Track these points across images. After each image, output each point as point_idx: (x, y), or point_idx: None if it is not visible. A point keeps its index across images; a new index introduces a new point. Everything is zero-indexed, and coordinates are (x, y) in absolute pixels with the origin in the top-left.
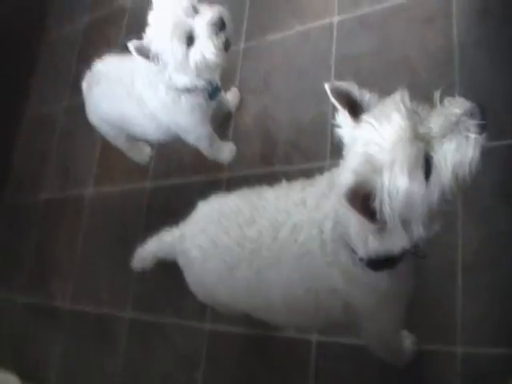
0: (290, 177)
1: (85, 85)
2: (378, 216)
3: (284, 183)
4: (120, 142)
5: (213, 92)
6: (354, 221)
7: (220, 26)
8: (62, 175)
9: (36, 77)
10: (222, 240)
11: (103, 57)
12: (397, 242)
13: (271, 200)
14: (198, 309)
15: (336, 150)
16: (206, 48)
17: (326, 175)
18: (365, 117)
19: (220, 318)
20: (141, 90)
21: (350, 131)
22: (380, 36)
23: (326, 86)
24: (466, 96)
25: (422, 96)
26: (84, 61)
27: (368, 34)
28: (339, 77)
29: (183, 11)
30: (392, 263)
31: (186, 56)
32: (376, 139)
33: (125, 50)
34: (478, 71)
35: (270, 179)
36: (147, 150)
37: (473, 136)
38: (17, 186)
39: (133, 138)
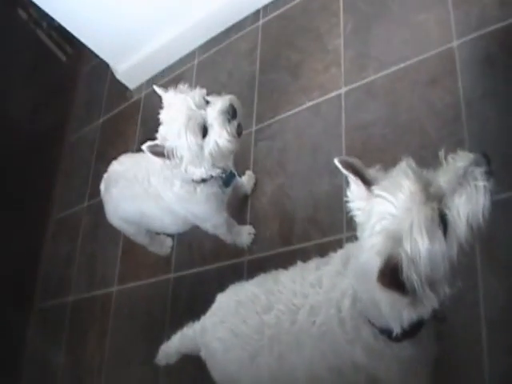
0: (309, 253)
1: (102, 187)
2: (407, 287)
3: (299, 264)
4: (140, 238)
5: (227, 179)
6: (386, 300)
7: (232, 113)
8: (87, 275)
9: (58, 180)
10: (240, 329)
11: (119, 157)
12: (428, 306)
13: (287, 283)
14: None
15: (352, 222)
16: (220, 136)
17: (340, 252)
18: (375, 190)
19: None
20: (157, 186)
21: (363, 204)
22: (387, 102)
23: (336, 160)
24: (475, 149)
25: (434, 155)
26: (102, 159)
27: (375, 100)
28: (351, 147)
29: (194, 104)
30: (413, 332)
31: (201, 147)
32: (390, 210)
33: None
34: (487, 123)
35: (290, 257)
36: (168, 242)
37: (481, 184)
38: (45, 290)
39: (152, 232)
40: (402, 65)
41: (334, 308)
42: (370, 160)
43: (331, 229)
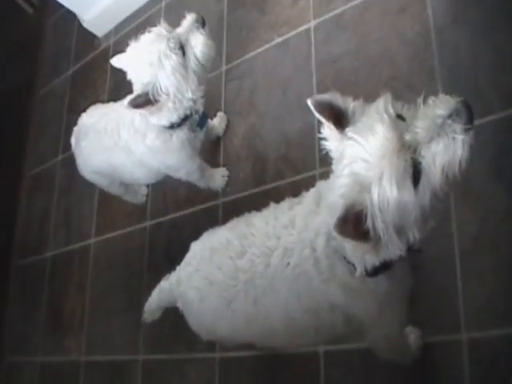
0: (283, 191)
1: (73, 140)
2: (371, 233)
3: (272, 205)
4: (114, 189)
5: (201, 120)
6: (347, 244)
7: (201, 21)
8: (65, 230)
9: (31, 135)
10: (215, 277)
11: (88, 109)
12: (394, 251)
13: (260, 226)
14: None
15: (325, 158)
16: (198, 43)
17: (312, 190)
18: (349, 132)
19: (229, 346)
20: (126, 138)
21: (336, 144)
22: (357, 33)
23: (309, 102)
24: (446, 78)
25: (405, 85)
26: (74, 111)
27: (345, 33)
28: (321, 82)
29: (164, 30)
30: (388, 266)
31: (185, 67)
32: (362, 155)
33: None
34: (459, 49)
35: (264, 197)
36: (143, 190)
37: (460, 137)
38: (23, 246)
39: (126, 183)
40: None
41: (308, 248)
42: (342, 93)
43: (304, 166)
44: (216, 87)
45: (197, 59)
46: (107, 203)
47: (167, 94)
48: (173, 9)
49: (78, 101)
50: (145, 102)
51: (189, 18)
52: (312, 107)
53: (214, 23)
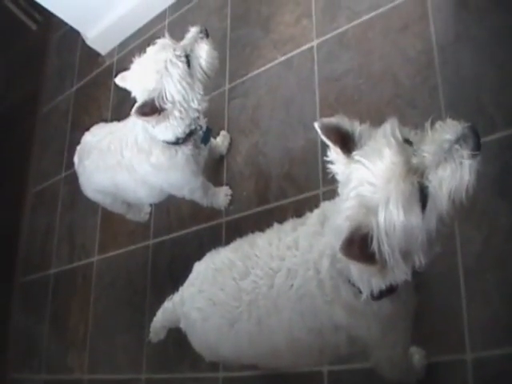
0: (286, 210)
1: (76, 159)
2: (377, 256)
3: (275, 225)
4: (117, 207)
5: (205, 135)
6: (353, 266)
7: (205, 32)
8: (68, 247)
9: (34, 152)
10: (218, 297)
11: (91, 128)
12: (399, 275)
13: (263, 246)
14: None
15: (328, 177)
16: (203, 53)
17: (316, 211)
18: (356, 155)
19: (233, 366)
20: (130, 157)
21: (342, 168)
22: (360, 52)
23: (316, 125)
24: (449, 96)
25: (408, 103)
26: (77, 128)
27: (348, 51)
28: (324, 100)
29: (170, 41)
30: (393, 289)
31: (191, 76)
32: (369, 178)
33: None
34: (462, 67)
35: (267, 216)
36: (146, 208)
37: (467, 162)
38: (27, 264)
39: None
40: (373, 13)
41: (311, 270)
42: (345, 112)
43: (307, 184)
44: (219, 105)
45: (201, 68)
46: (110, 221)
47: (173, 102)
48: (176, 26)
49: (82, 118)
50: (151, 110)
51: (192, 30)
52: (319, 130)
53: (218, 41)
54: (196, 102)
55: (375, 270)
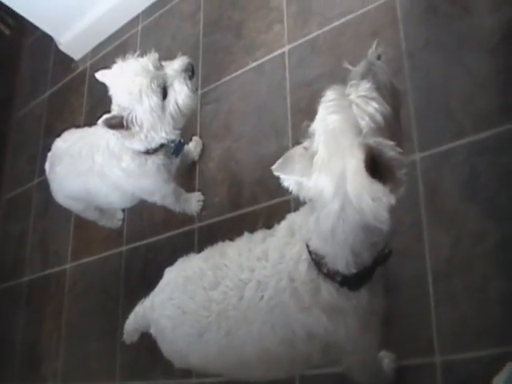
0: (258, 216)
1: (47, 166)
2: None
3: (246, 234)
4: (90, 214)
5: (177, 148)
6: (368, 196)
7: (192, 71)
8: (41, 254)
9: (7, 158)
10: (188, 306)
11: (62, 134)
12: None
13: (233, 257)
14: None
15: None
16: (181, 93)
17: (284, 223)
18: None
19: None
20: (101, 162)
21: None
22: (331, 57)
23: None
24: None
25: None
26: (51, 134)
27: (319, 57)
28: (296, 106)
29: (152, 65)
30: (370, 274)
31: (163, 109)
32: None
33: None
34: (431, 73)
35: (240, 222)
36: (118, 215)
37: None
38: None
39: (101, 208)
40: (343, 19)
41: (284, 280)
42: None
43: (279, 190)
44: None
45: (177, 105)
46: (83, 227)
47: (141, 127)
48: (149, 32)
49: (55, 123)
50: (118, 124)
51: (180, 63)
52: (280, 176)
53: (190, 46)
54: (164, 133)
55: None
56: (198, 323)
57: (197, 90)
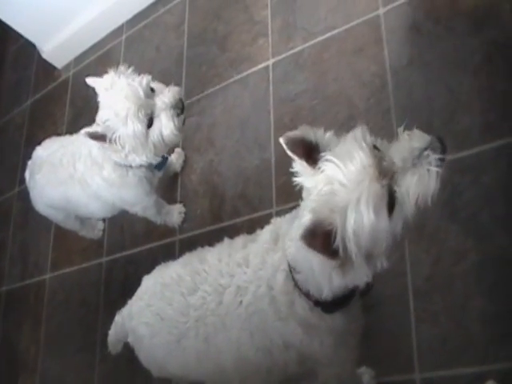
0: (239, 229)
1: (27, 174)
2: (340, 254)
3: (226, 240)
4: (70, 224)
5: (160, 163)
6: (315, 261)
7: (181, 108)
8: (20, 264)
9: None
10: (166, 312)
11: (43, 142)
12: (361, 276)
13: (213, 262)
14: (164, 379)
15: (282, 195)
16: (166, 128)
17: (268, 228)
18: (327, 156)
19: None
20: (83, 171)
21: (309, 178)
22: (315, 72)
23: (281, 140)
24: (402, 119)
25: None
26: (32, 143)
27: (303, 72)
28: (279, 120)
29: (143, 92)
30: (344, 302)
31: (146, 136)
32: (339, 177)
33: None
34: (414, 91)
35: (221, 234)
36: (99, 225)
37: (434, 169)
38: None
39: (82, 217)
40: (328, 34)
41: (263, 286)
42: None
43: (261, 204)
44: None
45: (161, 137)
46: (63, 238)
47: (122, 147)
48: (133, 43)
49: (37, 132)
50: (101, 138)
51: (171, 98)
52: (285, 146)
53: (174, 58)
54: (145, 158)
55: (336, 264)
56: (176, 329)
57: (184, 124)
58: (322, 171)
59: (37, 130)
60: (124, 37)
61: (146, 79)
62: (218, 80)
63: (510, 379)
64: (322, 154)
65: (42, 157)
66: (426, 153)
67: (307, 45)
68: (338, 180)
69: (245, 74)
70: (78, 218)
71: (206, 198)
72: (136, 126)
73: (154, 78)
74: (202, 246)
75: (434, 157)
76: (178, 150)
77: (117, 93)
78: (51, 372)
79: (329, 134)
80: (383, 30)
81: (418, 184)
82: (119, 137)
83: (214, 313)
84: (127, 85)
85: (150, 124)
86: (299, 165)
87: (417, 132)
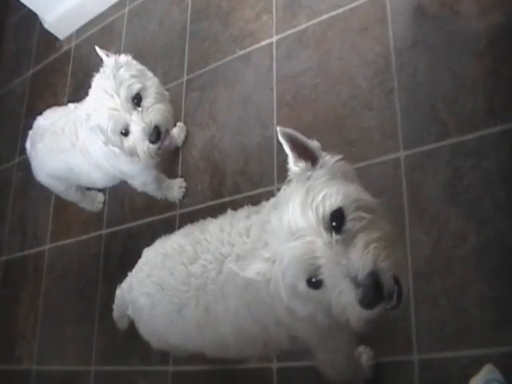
0: (240, 205)
1: (28, 144)
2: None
3: (229, 212)
4: (71, 195)
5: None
6: None
7: (154, 137)
8: (19, 234)
9: None
10: (167, 282)
11: (44, 112)
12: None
13: (215, 232)
14: (161, 353)
15: (283, 173)
16: (139, 150)
17: (272, 201)
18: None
19: (182, 360)
20: (84, 139)
21: (298, 170)
22: (318, 51)
23: (278, 130)
24: (404, 100)
25: (364, 105)
26: (32, 113)
27: (307, 50)
28: (282, 98)
29: (124, 102)
30: None
31: (122, 142)
32: (283, 225)
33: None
34: (418, 73)
35: (221, 210)
36: (99, 197)
37: (354, 303)
38: None
39: (83, 188)
40: (333, 13)
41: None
42: (301, 110)
43: (262, 180)
44: (176, 97)
45: (135, 149)
46: (63, 209)
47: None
48: (136, 16)
49: (37, 103)
50: None
51: (149, 121)
52: (280, 136)
53: (177, 33)
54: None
55: None
56: (177, 299)
57: (159, 150)
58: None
59: (37, 100)
60: (127, 9)
61: (136, 87)
62: (220, 55)
63: (508, 363)
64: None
65: (43, 126)
66: (355, 285)
67: (311, 23)
68: (281, 226)
69: (248, 50)
70: (78, 189)
71: (207, 174)
72: (109, 133)
73: (156, 54)
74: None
75: (357, 295)
76: (179, 124)
77: (101, 96)
78: (49, 341)
79: (331, 158)
80: (388, 11)
81: (340, 296)
82: (99, 127)
83: (214, 281)
84: (110, 96)
85: (126, 133)
86: (291, 157)
87: (366, 254)
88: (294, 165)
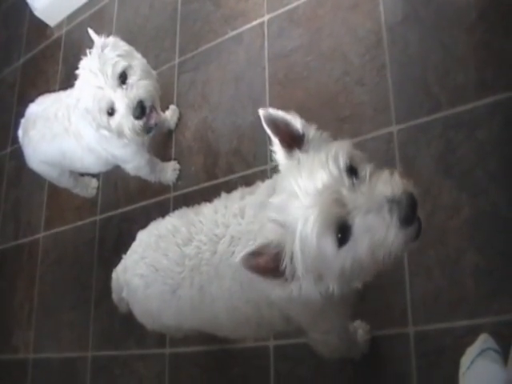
0: (234, 186)
1: (20, 132)
2: (287, 272)
3: (223, 194)
4: (64, 181)
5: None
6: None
7: (138, 113)
8: (13, 223)
9: None
10: (161, 263)
11: (36, 99)
12: (308, 292)
13: (209, 214)
14: (158, 336)
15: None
16: (124, 127)
17: (267, 182)
18: (297, 161)
19: (179, 342)
20: (77, 123)
21: (283, 160)
22: (310, 29)
23: (260, 113)
24: (396, 76)
25: (356, 81)
26: (24, 101)
27: (298, 28)
28: (274, 76)
29: (110, 80)
30: None
31: (109, 123)
32: (298, 192)
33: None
34: (409, 47)
35: (215, 191)
36: (93, 183)
37: (393, 226)
38: None
39: (76, 174)
40: None
41: (253, 240)
42: (294, 88)
43: (256, 160)
44: (169, 79)
45: (121, 128)
46: (57, 196)
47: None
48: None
49: (29, 91)
50: None
51: (132, 97)
52: (263, 119)
53: (168, 14)
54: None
55: (277, 283)
56: (171, 279)
57: (146, 129)
58: (287, 173)
59: (29, 88)
60: None
61: (121, 65)
62: (212, 36)
63: (503, 332)
64: (305, 146)
65: (35, 113)
66: (389, 206)
67: (302, 1)
68: (295, 192)
69: (240, 30)
70: (72, 176)
71: (201, 155)
72: (94, 113)
73: (148, 37)
74: (197, 203)
75: (394, 217)
76: (172, 106)
77: (87, 75)
78: (45, 329)
79: (317, 133)
80: None
81: (375, 233)
82: (87, 110)
83: (208, 262)
84: (95, 75)
85: (112, 112)
86: (274, 144)
87: (396, 178)
88: (274, 141)
